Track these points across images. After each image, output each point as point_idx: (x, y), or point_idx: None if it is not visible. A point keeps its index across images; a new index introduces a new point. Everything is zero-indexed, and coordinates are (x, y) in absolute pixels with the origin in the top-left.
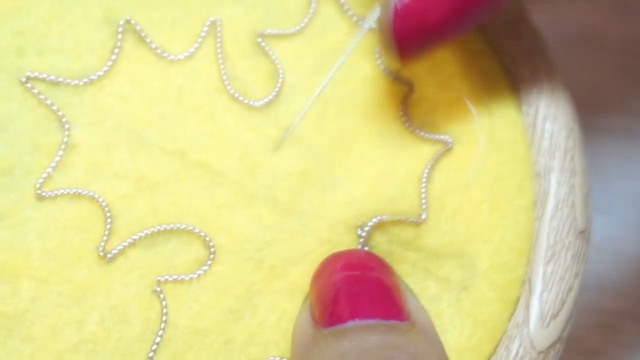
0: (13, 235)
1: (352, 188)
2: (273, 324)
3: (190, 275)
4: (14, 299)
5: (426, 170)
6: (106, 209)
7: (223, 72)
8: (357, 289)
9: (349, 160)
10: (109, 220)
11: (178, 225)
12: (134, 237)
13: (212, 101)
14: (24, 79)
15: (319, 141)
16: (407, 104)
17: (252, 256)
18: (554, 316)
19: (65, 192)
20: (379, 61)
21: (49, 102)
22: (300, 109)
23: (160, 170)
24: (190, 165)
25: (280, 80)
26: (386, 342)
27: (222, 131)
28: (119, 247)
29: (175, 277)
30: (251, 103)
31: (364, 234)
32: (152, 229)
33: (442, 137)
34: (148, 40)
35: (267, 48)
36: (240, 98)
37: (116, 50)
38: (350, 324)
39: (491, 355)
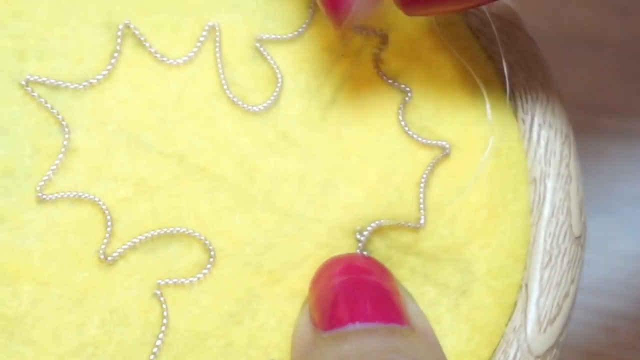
0: (13, 237)
1: (351, 192)
2: (273, 327)
3: (191, 279)
4: (15, 301)
5: (424, 175)
6: (106, 212)
7: (222, 76)
8: (357, 292)
9: (348, 165)
10: (109, 223)
11: (178, 228)
12: (134, 240)
13: (211, 105)
14: (24, 82)
15: (318, 145)
16: (405, 110)
17: (251, 260)
18: (551, 321)
19: (66, 195)
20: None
21: (49, 105)
22: (299, 113)
23: (159, 174)
24: (189, 169)
25: (279, 85)
26: (387, 345)
27: (221, 135)
28: (119, 251)
29: (175, 280)
30: (250, 107)
31: (362, 238)
32: (152, 233)
33: (439, 142)
34: (147, 44)
35: (265, 53)
36: (239, 102)
37: (116, 54)
38: (350, 327)
39: None
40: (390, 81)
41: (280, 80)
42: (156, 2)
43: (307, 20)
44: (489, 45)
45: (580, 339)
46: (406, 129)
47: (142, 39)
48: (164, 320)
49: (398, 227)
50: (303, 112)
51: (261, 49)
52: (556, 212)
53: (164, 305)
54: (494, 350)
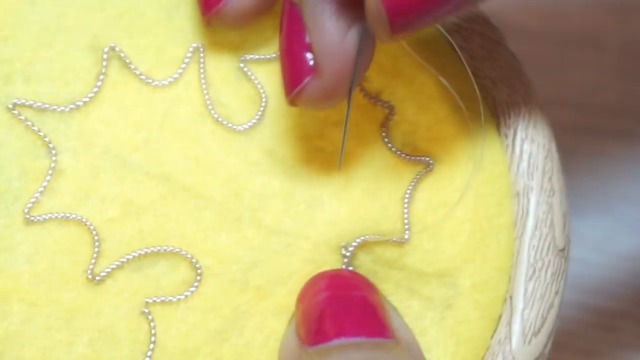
0: (3, 259)
1: (336, 209)
2: (260, 344)
3: (178, 297)
4: (4, 322)
5: (408, 191)
6: (94, 232)
7: (207, 97)
8: (342, 307)
9: (333, 182)
10: (96, 243)
11: (165, 247)
12: (122, 259)
13: (196, 126)
14: (10, 106)
15: (303, 162)
16: (388, 126)
17: (238, 277)
18: (536, 333)
19: (54, 217)
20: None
21: (36, 128)
22: (283, 132)
23: (146, 194)
24: (175, 189)
25: (263, 104)
26: (371, 359)
27: (207, 155)
28: (107, 270)
29: (162, 298)
30: (235, 127)
31: (348, 253)
32: (139, 252)
33: (423, 158)
34: (132, 66)
35: (249, 73)
36: (224, 122)
37: (101, 77)
38: (335, 342)
39: None
40: (372, 100)
41: (264, 99)
42: (141, 25)
43: None
44: (471, 62)
45: (580, 339)
46: (390, 145)
47: (127, 61)
48: (152, 338)
49: (383, 242)
50: (287, 130)
51: (245, 69)
52: (539, 225)
53: (152, 323)
54: None
